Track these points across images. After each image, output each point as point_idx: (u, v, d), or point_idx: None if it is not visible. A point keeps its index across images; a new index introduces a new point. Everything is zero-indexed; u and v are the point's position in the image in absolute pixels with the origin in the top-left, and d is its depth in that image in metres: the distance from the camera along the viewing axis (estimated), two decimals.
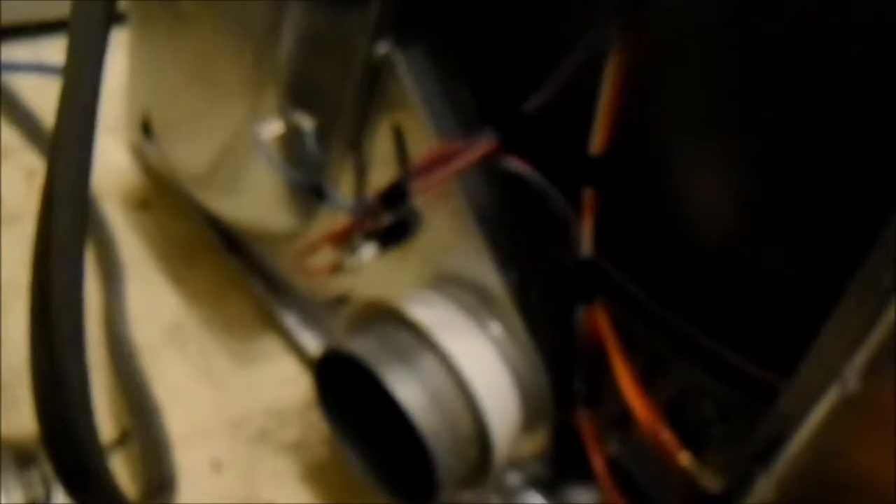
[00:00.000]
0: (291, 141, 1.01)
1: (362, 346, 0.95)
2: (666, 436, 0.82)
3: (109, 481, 0.80)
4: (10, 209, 1.43)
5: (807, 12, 0.67)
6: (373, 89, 0.96)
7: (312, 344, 1.29)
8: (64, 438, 0.73)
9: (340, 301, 1.12)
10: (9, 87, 1.67)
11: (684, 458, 0.82)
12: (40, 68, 1.72)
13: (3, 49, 1.73)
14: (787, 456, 0.69)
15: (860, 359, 0.61)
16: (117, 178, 1.55)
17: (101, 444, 0.77)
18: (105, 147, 1.57)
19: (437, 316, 0.95)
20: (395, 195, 0.88)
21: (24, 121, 1.61)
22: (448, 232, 0.96)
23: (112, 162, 1.58)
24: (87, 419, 0.74)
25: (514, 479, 1.13)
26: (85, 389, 0.73)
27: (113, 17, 0.72)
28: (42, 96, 1.68)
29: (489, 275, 0.94)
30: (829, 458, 0.67)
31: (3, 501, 0.96)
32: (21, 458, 1.00)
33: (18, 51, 1.77)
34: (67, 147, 0.70)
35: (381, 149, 1.00)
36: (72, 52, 0.71)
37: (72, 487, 0.79)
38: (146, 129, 1.41)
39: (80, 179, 0.70)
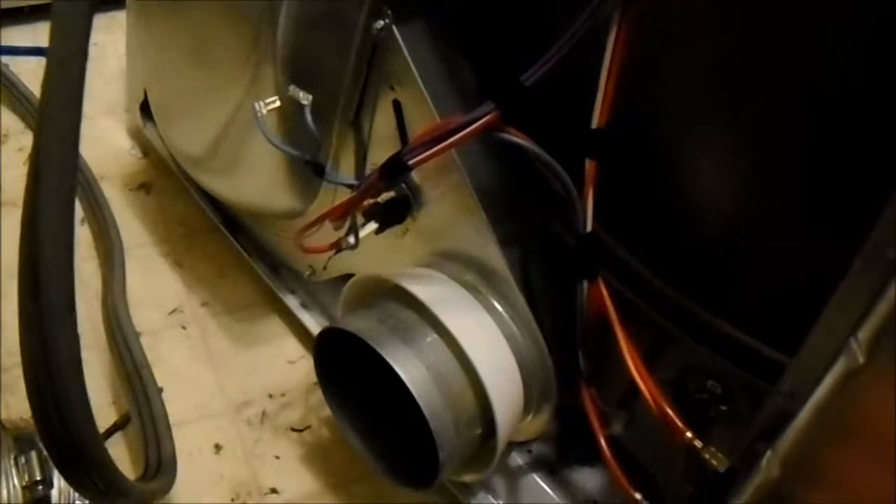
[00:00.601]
0: (291, 118, 1.01)
1: (363, 324, 0.95)
2: (671, 414, 0.82)
3: (103, 458, 0.79)
4: (10, 192, 1.43)
5: None
6: (371, 65, 0.95)
7: (314, 325, 1.28)
8: (54, 411, 0.73)
9: (342, 280, 1.11)
10: (8, 70, 1.67)
11: (690, 438, 0.81)
12: (39, 52, 1.72)
13: (3, 33, 1.73)
14: (793, 432, 0.68)
15: (866, 332, 0.60)
16: (117, 160, 1.55)
17: (93, 417, 0.76)
18: (105, 129, 1.58)
19: (437, 293, 0.94)
20: (395, 169, 0.87)
21: (24, 104, 1.61)
22: (448, 207, 0.95)
23: (112, 144, 1.58)
24: (78, 393, 0.73)
25: (517, 459, 1.12)
26: (76, 363, 0.72)
27: None
28: (40, 79, 1.67)
29: (490, 251, 0.93)
30: (835, 433, 0.66)
31: (2, 484, 0.96)
32: (20, 441, 0.99)
33: (16, 35, 1.77)
34: (54, 114, 0.69)
35: (380, 124, 0.99)
36: (56, 20, 0.69)
37: (65, 466, 0.78)
38: (146, 110, 1.41)
39: (67, 148, 0.69)
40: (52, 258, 0.69)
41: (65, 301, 0.70)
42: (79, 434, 0.74)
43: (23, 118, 1.61)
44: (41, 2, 1.78)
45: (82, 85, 0.69)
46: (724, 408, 0.84)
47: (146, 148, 1.57)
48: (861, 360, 0.61)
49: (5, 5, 1.76)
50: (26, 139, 1.57)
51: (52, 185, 0.69)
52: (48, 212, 0.69)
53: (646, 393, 0.82)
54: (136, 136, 1.58)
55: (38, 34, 1.78)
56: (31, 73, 1.67)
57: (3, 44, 1.73)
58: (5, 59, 1.71)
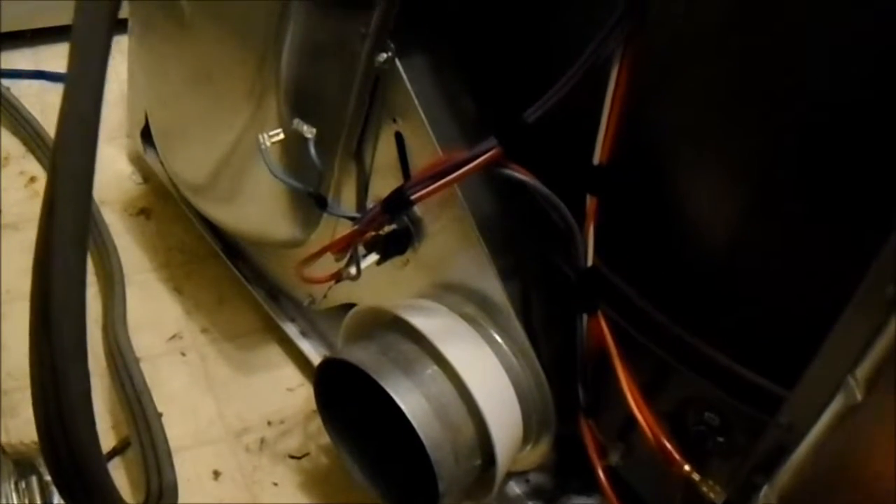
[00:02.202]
0: (293, 149, 1.01)
1: (364, 355, 0.95)
2: (669, 446, 0.82)
3: (110, 490, 0.79)
4: (10, 216, 1.43)
5: (806, 31, 0.67)
6: (374, 97, 0.96)
7: (313, 353, 1.29)
8: (64, 447, 0.73)
9: (341, 309, 1.12)
10: (9, 94, 1.67)
11: (688, 470, 0.81)
12: (40, 75, 1.73)
13: (3, 57, 1.74)
14: (791, 466, 0.68)
15: (864, 369, 0.61)
16: (117, 185, 1.56)
17: (102, 452, 0.77)
18: (106, 155, 1.59)
19: (438, 325, 0.95)
20: (397, 203, 0.88)
21: (25, 127, 1.61)
22: (449, 240, 0.96)
23: (113, 170, 1.58)
24: (87, 428, 0.73)
25: (515, 489, 1.12)
26: (86, 397, 0.73)
27: (115, 22, 0.72)
28: (42, 103, 1.68)
29: (491, 283, 0.94)
30: (833, 468, 0.67)
31: None
32: (21, 466, 1.00)
33: (18, 58, 1.78)
34: (69, 153, 0.70)
35: (382, 157, 0.99)
36: (74, 56, 0.70)
37: (70, 496, 0.78)
38: (147, 136, 1.42)
39: (81, 187, 0.70)
40: (65, 294, 0.70)
41: (76, 336, 0.70)
42: (87, 467, 0.75)
43: (24, 142, 1.62)
44: (43, 26, 1.79)
45: (97, 124, 0.70)
46: (721, 440, 0.84)
47: (146, 174, 1.58)
48: (859, 397, 0.61)
49: (7, 29, 1.77)
50: (27, 163, 1.58)
51: (66, 221, 0.69)
52: (61, 247, 0.70)
53: (644, 425, 0.83)
54: (137, 161, 1.59)
55: (39, 58, 1.78)
56: (32, 97, 1.68)
57: (4, 67, 1.73)
58: (7, 82, 1.72)
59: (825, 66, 0.67)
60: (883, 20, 0.62)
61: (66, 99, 0.70)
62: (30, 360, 0.72)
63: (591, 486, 0.97)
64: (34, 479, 0.98)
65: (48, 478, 0.97)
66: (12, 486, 0.97)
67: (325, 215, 1.10)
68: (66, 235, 0.69)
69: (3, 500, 0.96)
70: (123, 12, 1.29)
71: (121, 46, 1.45)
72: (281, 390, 1.30)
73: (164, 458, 1.11)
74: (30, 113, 1.64)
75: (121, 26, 1.35)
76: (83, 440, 0.73)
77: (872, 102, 0.65)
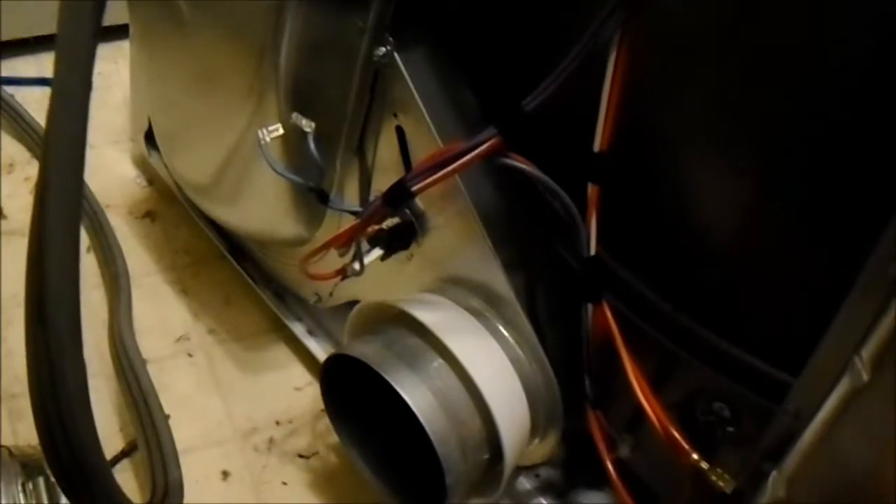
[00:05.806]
0: (294, 145, 1.01)
1: (369, 350, 0.95)
2: (678, 436, 0.82)
3: (110, 483, 0.79)
4: (15, 222, 1.44)
5: (808, 16, 0.67)
6: (373, 91, 0.96)
7: (320, 352, 1.28)
8: (62, 440, 0.73)
9: (348, 307, 1.11)
10: (13, 100, 1.67)
11: (697, 460, 0.81)
12: (43, 82, 1.73)
13: (6, 64, 1.74)
14: (799, 451, 0.68)
15: (870, 349, 0.61)
16: (122, 189, 1.56)
17: (101, 446, 0.76)
18: (110, 158, 1.59)
19: (443, 318, 0.94)
20: (398, 195, 0.88)
21: (29, 134, 1.61)
22: (453, 233, 0.95)
23: (117, 173, 1.58)
24: (85, 420, 0.73)
25: (525, 484, 1.12)
26: (83, 390, 0.72)
27: (101, 20, 0.72)
28: (45, 109, 1.68)
29: (495, 276, 0.93)
30: (841, 451, 0.66)
31: None
32: (27, 468, 1.00)
33: (21, 65, 1.78)
34: (59, 146, 0.70)
35: (383, 151, 0.99)
36: (60, 51, 0.70)
37: (72, 491, 0.78)
38: (150, 139, 1.42)
39: (72, 178, 0.70)
40: (59, 284, 0.70)
41: (71, 327, 0.70)
42: (86, 460, 0.75)
43: (28, 148, 1.62)
44: (45, 32, 1.79)
45: (86, 115, 0.70)
46: (730, 429, 0.83)
47: (151, 176, 1.57)
48: (865, 377, 0.61)
49: (9, 36, 1.77)
50: (32, 169, 1.58)
51: (58, 210, 0.70)
52: (54, 237, 0.70)
53: (652, 416, 0.82)
54: (141, 164, 1.59)
55: (42, 64, 1.78)
56: (35, 103, 1.68)
57: (7, 74, 1.74)
58: (10, 89, 1.72)
59: (830, 55, 0.67)
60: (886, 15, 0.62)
61: (55, 90, 0.70)
62: (26, 354, 0.72)
63: (601, 480, 0.96)
64: (41, 481, 0.98)
65: (55, 480, 0.96)
66: (20, 487, 0.97)
67: (329, 212, 1.10)
68: (58, 222, 0.69)
69: (11, 502, 0.96)
70: (124, 17, 1.31)
71: (123, 51, 1.45)
72: (289, 390, 1.30)
73: (170, 457, 1.11)
74: (34, 119, 1.64)
75: (122, 32, 1.36)
76: (82, 433, 0.73)
77: (876, 95, 0.65)
